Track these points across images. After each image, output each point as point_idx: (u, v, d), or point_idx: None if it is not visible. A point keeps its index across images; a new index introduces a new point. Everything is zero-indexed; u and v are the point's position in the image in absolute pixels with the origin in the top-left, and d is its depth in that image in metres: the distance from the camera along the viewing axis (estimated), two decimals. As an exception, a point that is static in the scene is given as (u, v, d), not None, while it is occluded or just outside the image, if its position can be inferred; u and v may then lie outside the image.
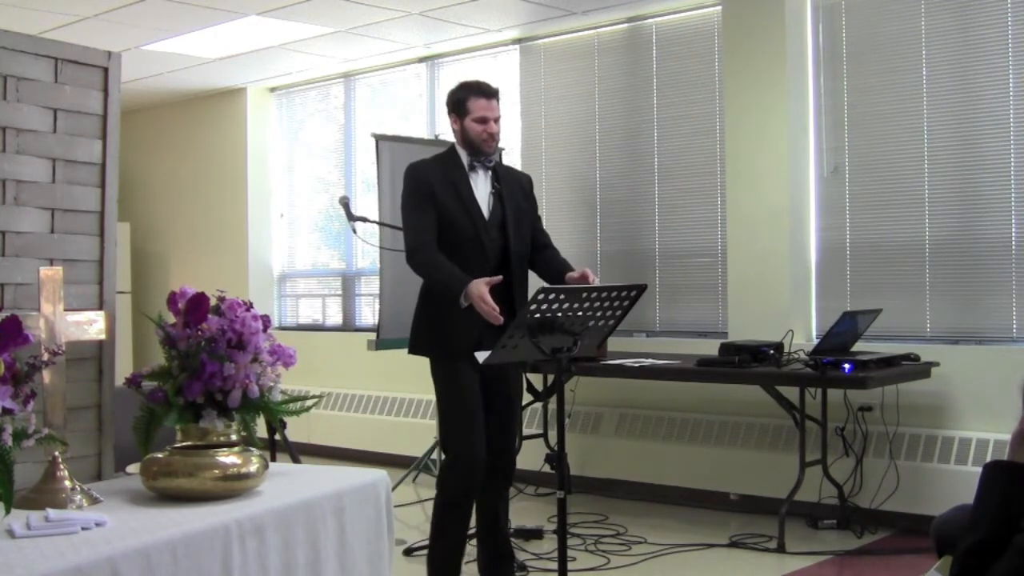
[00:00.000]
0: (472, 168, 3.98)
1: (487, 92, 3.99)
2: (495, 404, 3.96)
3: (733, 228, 6.01)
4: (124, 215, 8.58)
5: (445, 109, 4.08)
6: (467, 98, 3.97)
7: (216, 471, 2.45)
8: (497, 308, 3.67)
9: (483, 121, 3.94)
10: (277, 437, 4.34)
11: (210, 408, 2.55)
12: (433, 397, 4.11)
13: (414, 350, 4.04)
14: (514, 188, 4.07)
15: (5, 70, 2.66)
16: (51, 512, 2.25)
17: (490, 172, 4.01)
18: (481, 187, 3.98)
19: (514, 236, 3.98)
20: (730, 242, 6.03)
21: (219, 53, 7.32)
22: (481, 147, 3.96)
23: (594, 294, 3.32)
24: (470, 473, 3.87)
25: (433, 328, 3.94)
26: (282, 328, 8.45)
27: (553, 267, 4.03)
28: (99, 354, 2.83)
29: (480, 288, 3.68)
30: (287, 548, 2.46)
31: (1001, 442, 4.92)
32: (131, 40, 6.73)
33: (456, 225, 3.89)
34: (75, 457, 2.62)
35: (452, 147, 4.05)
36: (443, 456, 4.12)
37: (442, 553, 3.93)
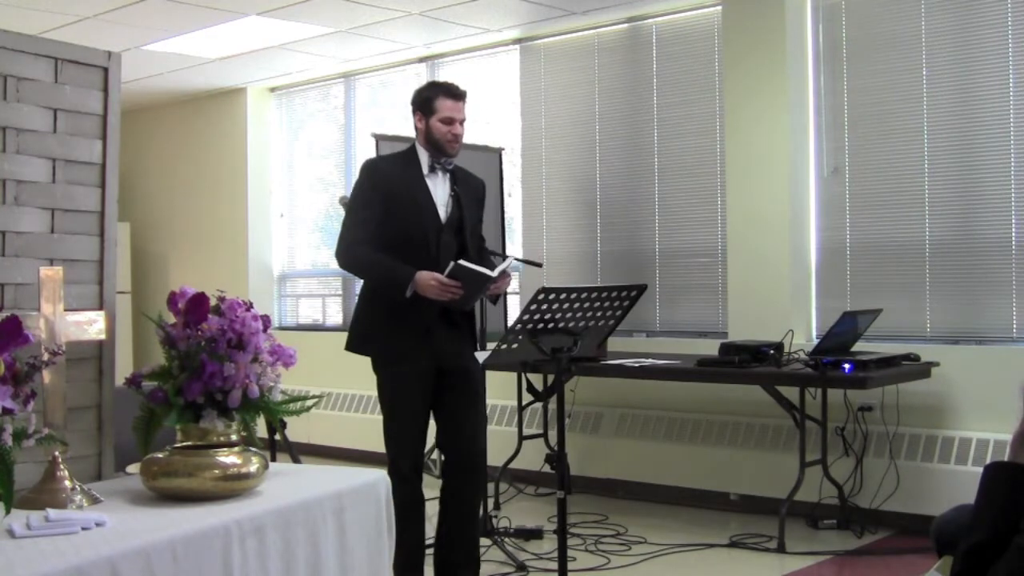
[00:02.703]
0: (432, 169, 3.93)
1: (455, 93, 3.96)
2: (456, 405, 3.92)
3: (733, 228, 6.01)
4: (124, 215, 8.58)
5: (411, 108, 4.02)
6: (435, 97, 3.93)
7: (216, 471, 2.45)
8: (457, 283, 3.66)
9: (449, 122, 3.90)
10: (277, 437, 4.34)
11: (210, 408, 2.55)
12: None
13: (354, 348, 3.97)
14: (470, 193, 4.04)
15: (5, 70, 2.66)
16: (51, 512, 2.25)
17: (448, 174, 3.96)
18: (439, 189, 3.93)
19: (470, 240, 3.96)
20: (730, 242, 6.03)
21: (219, 53, 7.32)
22: (444, 148, 3.91)
23: (594, 294, 3.32)
24: (414, 480, 3.89)
25: (378, 328, 3.88)
26: (282, 328, 8.45)
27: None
28: (99, 354, 2.83)
29: (429, 273, 3.68)
30: (287, 548, 2.45)
31: (1001, 442, 4.92)
32: (131, 40, 6.73)
33: (406, 227, 3.84)
34: (75, 457, 2.62)
35: (412, 146, 4.01)
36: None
37: (401, 562, 3.81)
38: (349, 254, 3.87)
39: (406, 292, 3.71)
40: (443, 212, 3.91)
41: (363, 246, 3.82)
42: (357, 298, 4.06)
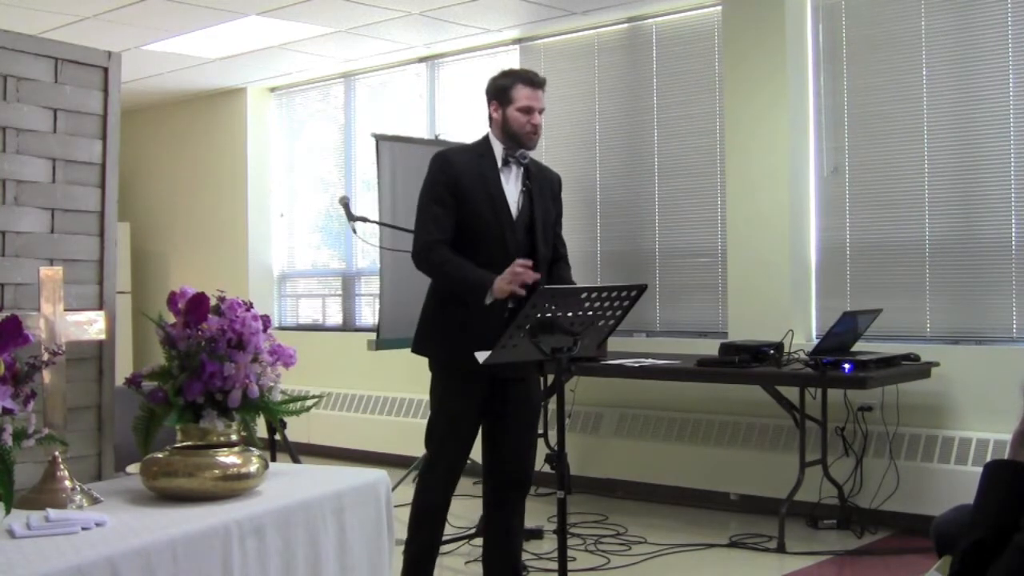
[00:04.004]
0: (505, 163, 3.72)
1: (534, 81, 3.73)
2: (510, 413, 3.77)
3: (733, 228, 6.01)
4: (124, 215, 8.58)
5: (486, 96, 3.79)
6: (512, 85, 3.70)
7: (216, 471, 2.45)
8: (529, 262, 3.50)
9: (528, 111, 3.67)
10: (277, 437, 4.34)
11: (210, 408, 2.54)
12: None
13: (418, 349, 3.84)
14: (544, 188, 3.82)
15: (5, 70, 2.66)
16: (51, 512, 2.25)
17: (522, 169, 3.74)
18: (511, 184, 3.72)
19: (541, 238, 3.74)
20: (730, 242, 6.03)
21: (219, 53, 7.32)
22: (523, 140, 3.70)
23: (594, 294, 3.30)
24: (444, 486, 3.75)
25: (440, 329, 3.73)
26: (282, 328, 8.45)
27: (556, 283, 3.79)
28: (99, 354, 2.83)
29: (503, 277, 3.47)
30: (287, 548, 2.45)
31: (1001, 442, 4.92)
32: (131, 40, 6.73)
33: (481, 223, 3.64)
34: (75, 457, 2.62)
35: (485, 138, 3.77)
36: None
37: (410, 559, 3.78)
38: (424, 257, 3.65)
39: (486, 300, 3.53)
40: (514, 208, 3.71)
41: (441, 247, 3.62)
42: (424, 299, 3.85)
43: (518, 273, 3.49)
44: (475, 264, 3.60)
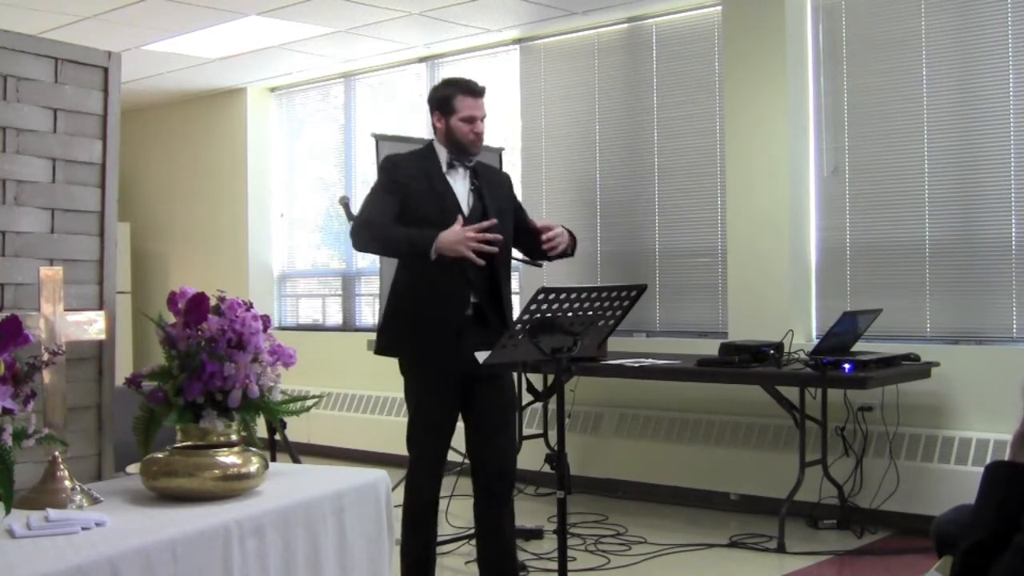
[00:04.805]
0: (451, 166, 3.82)
1: (475, 90, 3.81)
2: (486, 409, 3.80)
3: (733, 228, 6.01)
4: (124, 215, 8.58)
5: (428, 106, 3.88)
6: (454, 96, 3.79)
7: (216, 471, 2.45)
8: (483, 234, 3.54)
9: (470, 120, 3.78)
10: (277, 437, 4.34)
11: (210, 408, 2.54)
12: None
13: (383, 351, 3.88)
14: (495, 186, 3.92)
15: (5, 70, 2.65)
16: (51, 512, 2.25)
17: (469, 171, 3.85)
18: (459, 184, 3.82)
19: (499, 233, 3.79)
20: (730, 242, 6.03)
21: (219, 53, 7.32)
22: (467, 147, 3.80)
23: (594, 294, 3.31)
24: (431, 483, 3.79)
25: (405, 328, 3.79)
26: (282, 328, 8.45)
27: (534, 238, 3.86)
28: (99, 354, 2.83)
29: (451, 230, 3.53)
30: (287, 548, 2.45)
31: (1001, 442, 4.92)
32: (131, 40, 6.73)
33: (430, 222, 3.68)
34: (75, 457, 2.61)
35: (430, 144, 3.89)
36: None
37: (409, 560, 3.80)
38: (362, 232, 3.72)
39: (430, 255, 3.58)
40: (465, 206, 3.78)
41: (378, 224, 3.70)
42: (386, 300, 3.89)
43: (470, 237, 3.54)
44: (433, 263, 3.62)
